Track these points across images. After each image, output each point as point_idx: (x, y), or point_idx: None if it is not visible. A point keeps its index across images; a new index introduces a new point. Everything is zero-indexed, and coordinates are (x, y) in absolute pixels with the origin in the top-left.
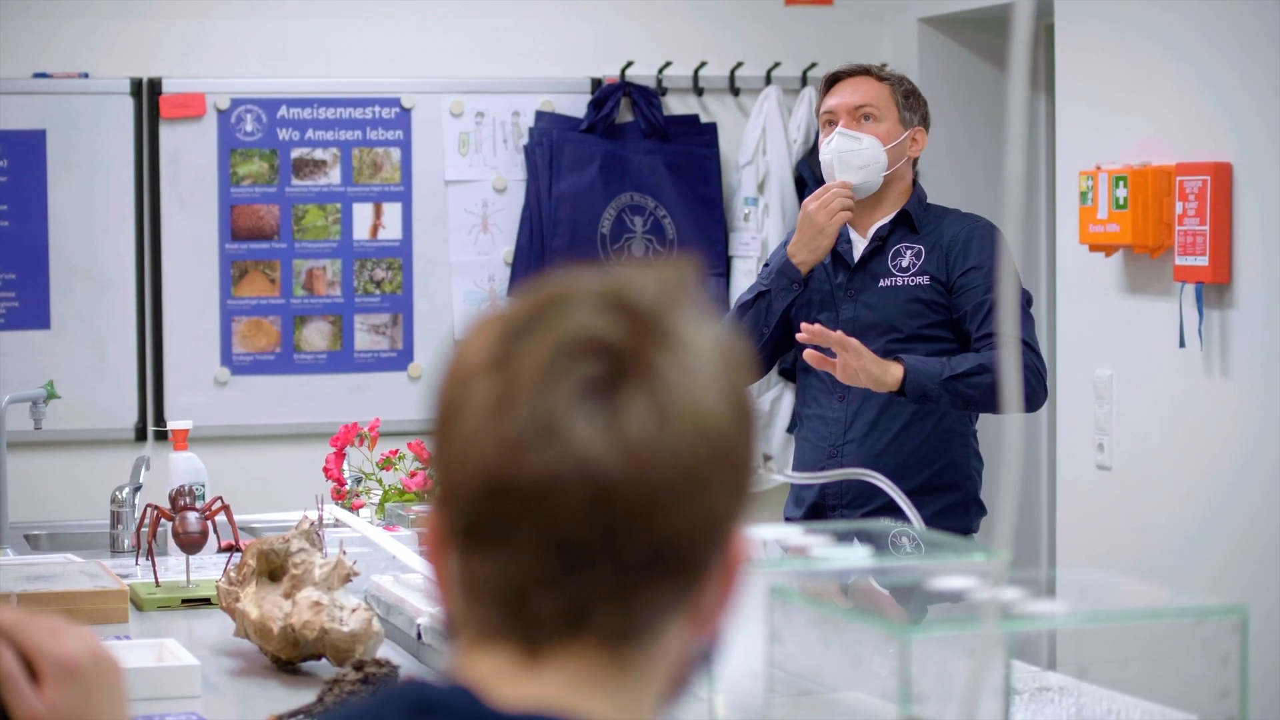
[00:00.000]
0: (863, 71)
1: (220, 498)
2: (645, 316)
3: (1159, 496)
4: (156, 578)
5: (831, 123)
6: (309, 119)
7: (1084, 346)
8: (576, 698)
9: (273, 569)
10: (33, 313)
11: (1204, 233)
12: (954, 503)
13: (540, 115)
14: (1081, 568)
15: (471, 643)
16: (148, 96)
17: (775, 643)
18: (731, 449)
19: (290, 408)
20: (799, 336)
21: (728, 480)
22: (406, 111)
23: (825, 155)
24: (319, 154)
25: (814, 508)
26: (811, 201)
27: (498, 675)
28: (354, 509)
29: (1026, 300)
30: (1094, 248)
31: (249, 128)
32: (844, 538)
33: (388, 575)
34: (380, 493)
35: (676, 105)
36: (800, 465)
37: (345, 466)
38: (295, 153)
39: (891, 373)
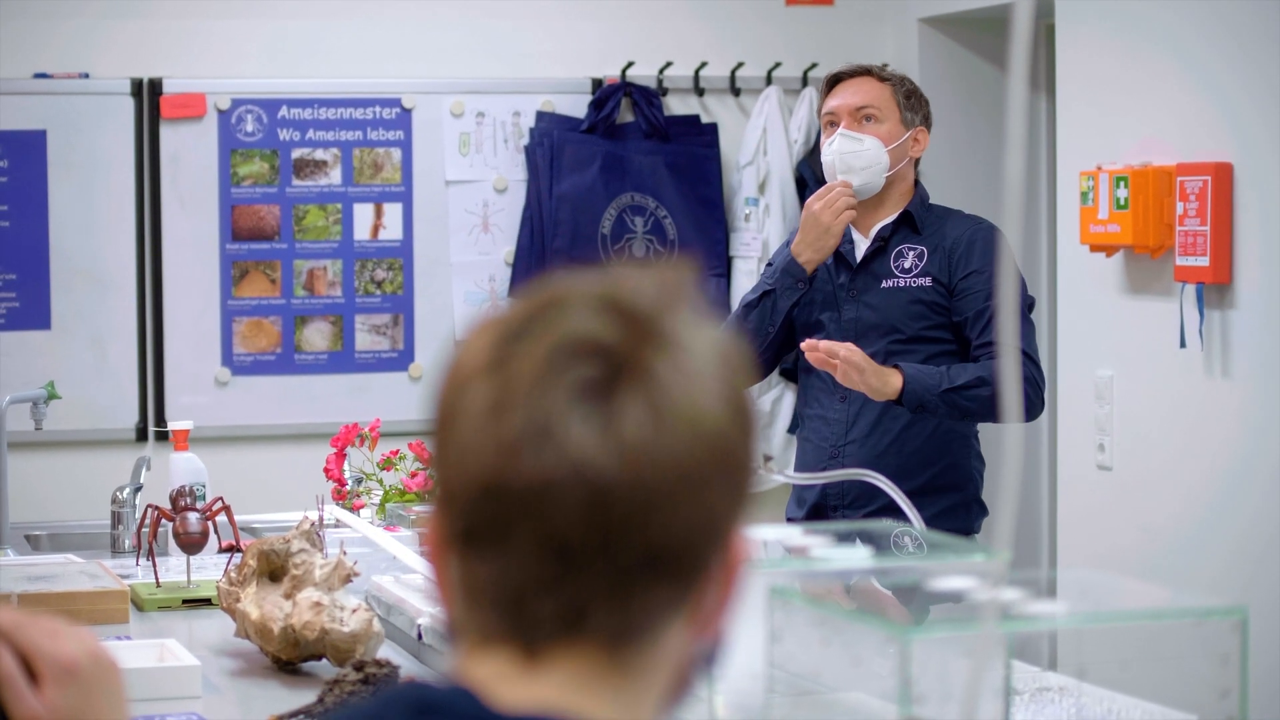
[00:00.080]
0: (864, 72)
1: (221, 498)
2: (642, 319)
3: (1159, 496)
4: (157, 578)
5: (833, 124)
6: (309, 119)
7: (1085, 347)
8: (576, 698)
9: (273, 569)
10: (33, 313)
11: (1204, 233)
12: (955, 503)
13: (541, 115)
14: (1082, 568)
15: (472, 645)
16: (148, 97)
17: (775, 643)
18: (730, 450)
19: (291, 408)
20: (806, 354)
21: (726, 481)
22: (407, 112)
23: (827, 156)
24: (320, 154)
25: (815, 508)
26: (816, 201)
27: (498, 677)
28: (355, 509)
29: (1029, 305)
30: (1095, 248)
31: (250, 128)
32: (846, 538)
33: (388, 576)
34: (381, 493)
35: (677, 105)
36: (802, 466)
37: (346, 467)
38: (296, 153)
39: (890, 383)
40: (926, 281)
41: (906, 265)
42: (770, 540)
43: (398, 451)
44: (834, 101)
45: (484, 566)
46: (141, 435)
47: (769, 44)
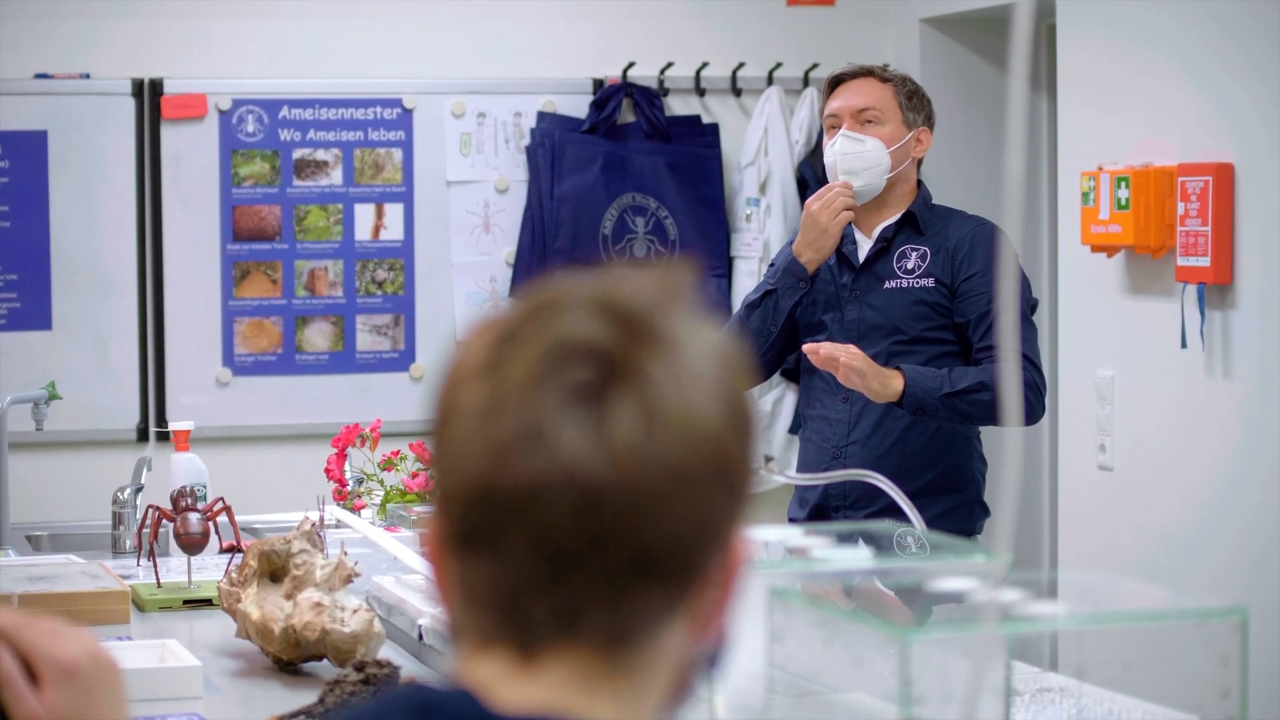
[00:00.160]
0: (865, 73)
1: (222, 498)
2: (637, 321)
3: (1160, 497)
4: (158, 579)
5: (835, 126)
6: (310, 120)
7: (1086, 347)
8: (575, 699)
9: (274, 570)
10: (34, 313)
11: (1206, 233)
12: (957, 504)
13: (542, 116)
14: (1083, 568)
15: (471, 646)
16: (149, 97)
17: (776, 643)
18: (725, 453)
19: (292, 408)
20: (809, 356)
21: (722, 484)
22: (408, 112)
23: (829, 157)
24: (320, 155)
25: (817, 509)
26: (814, 201)
27: (496, 678)
28: (355, 510)
29: (1031, 307)
30: (1096, 248)
31: (250, 128)
32: (849, 539)
33: (389, 576)
34: (382, 494)
35: (678, 106)
36: (804, 466)
37: (347, 467)
38: (297, 153)
39: (891, 386)
40: (929, 282)
41: (909, 266)
42: (771, 541)
43: (399, 452)
44: (835, 103)
45: (479, 569)
46: (142, 436)
47: (770, 44)
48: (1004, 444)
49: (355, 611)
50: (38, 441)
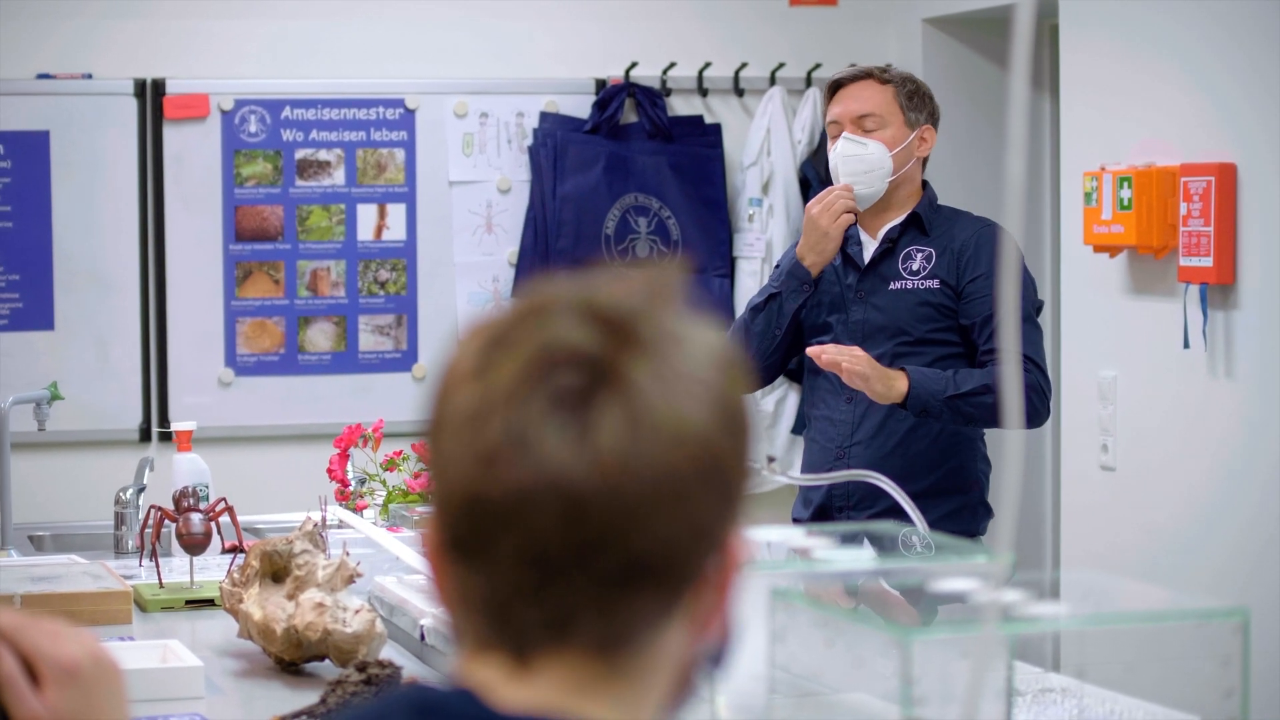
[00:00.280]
0: (865, 76)
1: (224, 499)
2: (625, 326)
3: (1162, 496)
4: (160, 579)
5: (837, 133)
6: (313, 120)
7: (1088, 347)
8: (574, 701)
9: (276, 570)
10: (36, 314)
11: (1208, 234)
12: (960, 505)
13: (544, 116)
14: (1085, 569)
15: (469, 649)
16: (151, 97)
17: (778, 644)
18: (715, 457)
19: (294, 409)
20: (813, 358)
21: (713, 487)
22: (411, 112)
23: (832, 161)
24: (323, 155)
25: (821, 509)
26: (814, 205)
27: (494, 682)
28: (358, 510)
29: (1036, 309)
30: (1098, 248)
31: (253, 128)
32: (853, 539)
33: (391, 576)
34: (384, 494)
35: (681, 106)
36: (808, 466)
37: (349, 467)
38: (299, 154)
39: (896, 388)
40: (934, 284)
41: (914, 267)
42: (774, 541)
43: (401, 452)
44: (836, 110)
45: (471, 575)
46: (145, 436)
47: (772, 44)
48: (1005, 445)
49: (357, 612)
50: (40, 442)
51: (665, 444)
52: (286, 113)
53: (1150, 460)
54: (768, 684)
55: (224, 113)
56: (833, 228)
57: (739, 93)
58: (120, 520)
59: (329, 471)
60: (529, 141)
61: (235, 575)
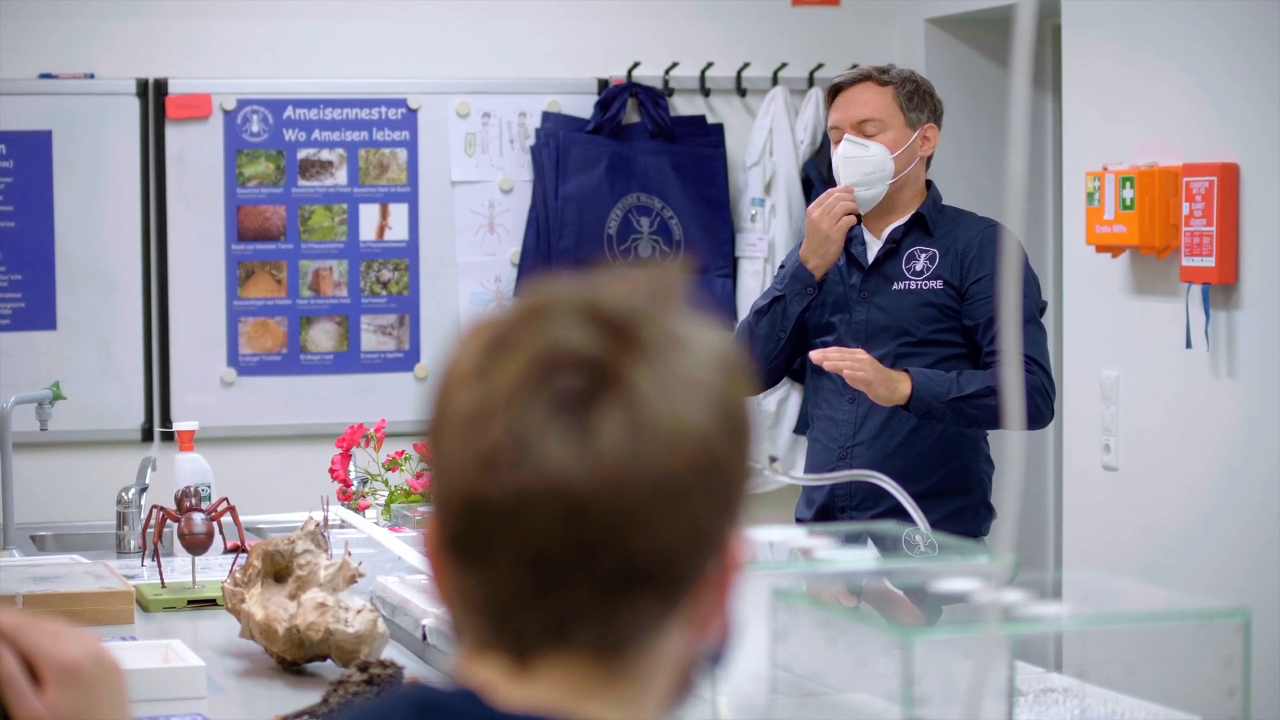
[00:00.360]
0: (864, 78)
1: (226, 498)
2: (626, 328)
3: (1165, 496)
4: (162, 579)
5: (838, 139)
6: (315, 120)
7: (1090, 347)
8: (575, 701)
9: (278, 570)
10: (39, 314)
11: (1211, 234)
12: (963, 506)
13: (547, 116)
14: (1087, 569)
15: (470, 649)
16: (153, 97)
17: (779, 644)
18: (716, 459)
19: (296, 408)
20: (816, 363)
21: (713, 490)
22: (413, 112)
23: (835, 164)
24: (325, 155)
25: (823, 509)
26: (815, 208)
27: (494, 682)
28: (360, 510)
29: (1040, 309)
30: (1100, 248)
31: (255, 128)
32: (857, 539)
33: (393, 576)
34: (386, 494)
35: (683, 106)
36: (812, 466)
37: (351, 467)
38: (301, 153)
39: (899, 390)
40: (938, 284)
41: (918, 268)
42: (776, 541)
43: (403, 452)
44: (835, 115)
45: (469, 577)
46: (147, 436)
47: (775, 44)
48: (1007, 446)
49: (359, 612)
50: (42, 441)
51: (665, 447)
52: (289, 112)
53: (1152, 460)
54: (769, 684)
55: (226, 112)
56: (834, 230)
57: (741, 93)
58: (122, 520)
59: (331, 471)
60: (531, 141)
61: (237, 575)
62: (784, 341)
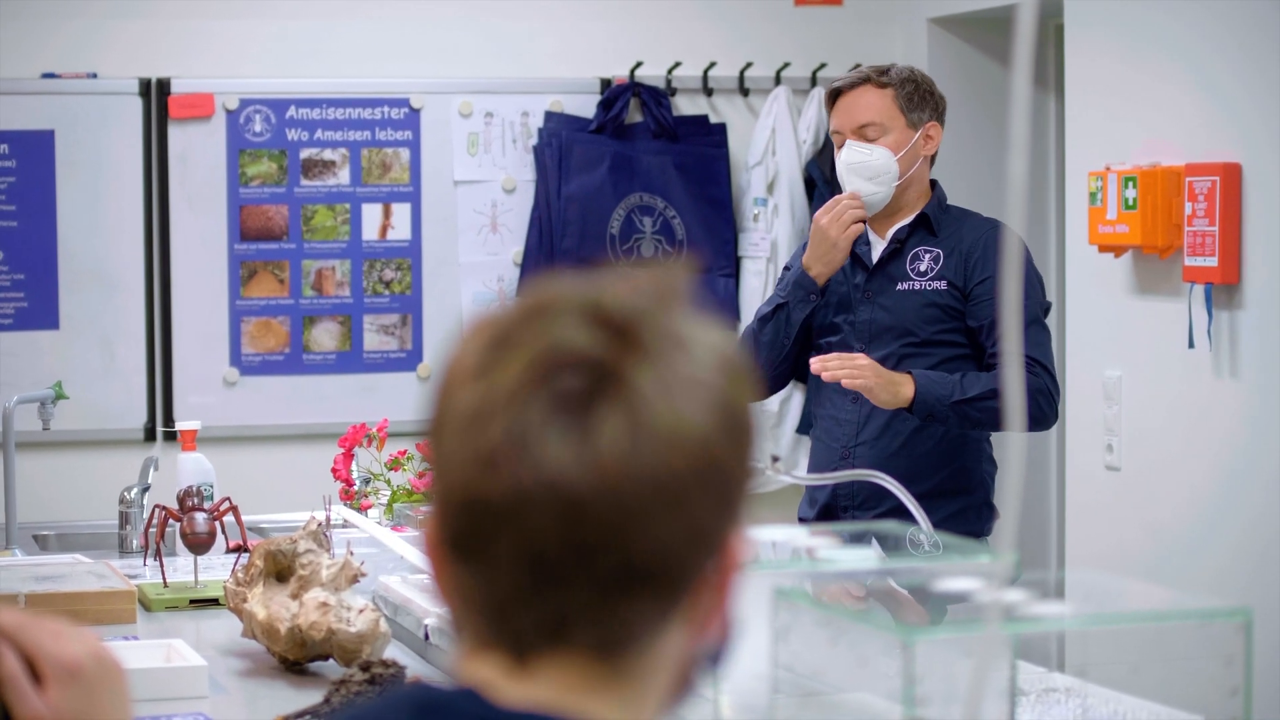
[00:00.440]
0: (863, 81)
1: (228, 498)
2: (628, 328)
3: (1167, 496)
4: (164, 578)
5: (840, 143)
6: (318, 119)
7: (1093, 347)
8: (574, 699)
9: (280, 570)
10: (41, 313)
11: (1213, 233)
12: (965, 507)
13: (549, 116)
14: (1089, 569)
15: (470, 647)
16: (156, 97)
17: (781, 643)
18: (716, 461)
19: (299, 408)
20: (816, 373)
21: (713, 492)
22: (415, 112)
23: (839, 169)
24: (328, 154)
25: (826, 509)
26: (823, 215)
27: (493, 681)
28: (362, 510)
29: (1044, 310)
30: (1103, 248)
31: (258, 128)
32: (861, 539)
33: (395, 576)
34: (389, 493)
35: (686, 106)
36: (815, 466)
37: (353, 467)
38: (304, 153)
39: (901, 393)
40: (941, 285)
41: (922, 268)
42: (778, 540)
43: (405, 452)
44: (836, 120)
45: (469, 575)
46: (149, 435)
47: (778, 44)
48: (1008, 446)
49: (361, 611)
50: (45, 441)
51: (665, 447)
52: (291, 112)
53: (1155, 460)
54: (771, 683)
55: (229, 112)
56: (841, 238)
57: (744, 92)
58: (125, 520)
59: (333, 471)
60: (534, 141)
61: (239, 575)
62: (789, 348)
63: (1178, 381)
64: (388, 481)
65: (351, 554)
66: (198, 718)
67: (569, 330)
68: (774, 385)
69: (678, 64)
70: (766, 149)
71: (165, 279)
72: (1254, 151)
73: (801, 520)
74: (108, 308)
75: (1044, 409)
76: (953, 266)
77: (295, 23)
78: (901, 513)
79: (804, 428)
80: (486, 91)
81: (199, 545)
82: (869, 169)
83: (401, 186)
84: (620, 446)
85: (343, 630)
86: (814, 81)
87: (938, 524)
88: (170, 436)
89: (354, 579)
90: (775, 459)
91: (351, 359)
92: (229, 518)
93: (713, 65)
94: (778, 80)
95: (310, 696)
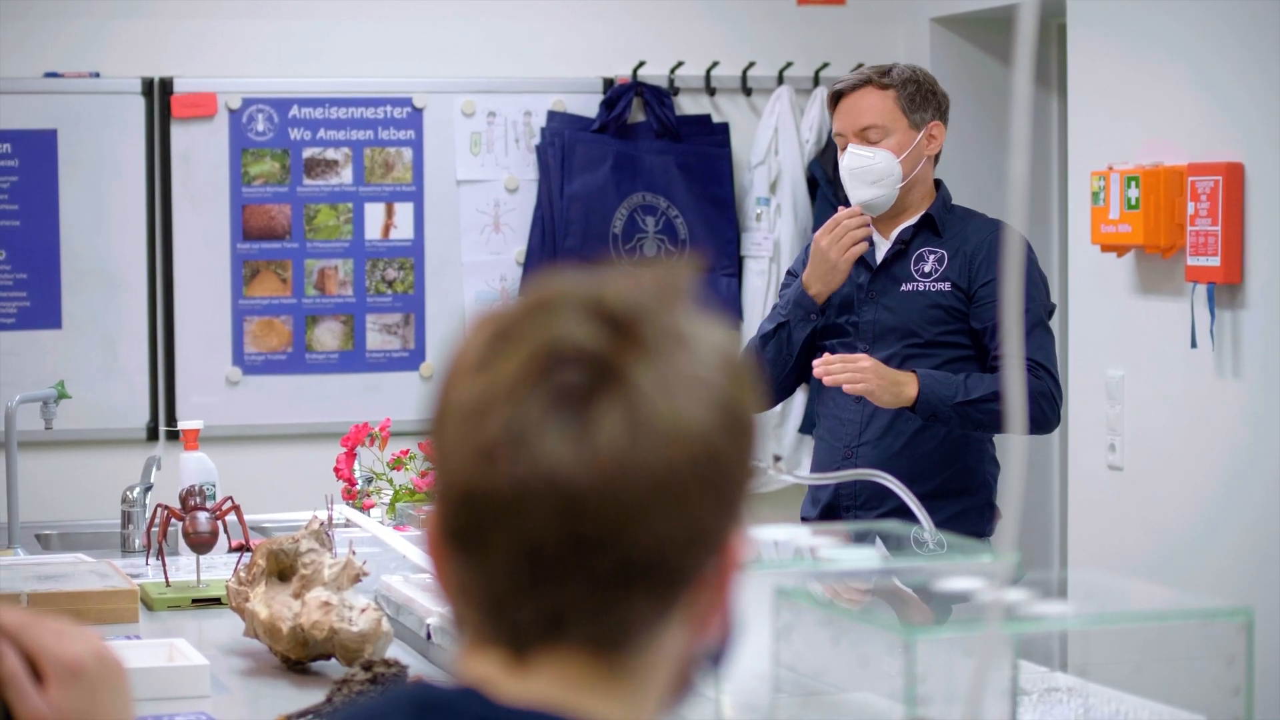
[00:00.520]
0: (865, 82)
1: (231, 497)
2: (630, 325)
3: (1170, 496)
4: (167, 577)
5: (843, 146)
6: (320, 119)
7: (1096, 347)
8: (574, 697)
9: (282, 569)
10: (44, 312)
11: (1216, 233)
12: (967, 507)
13: (552, 115)
14: (1091, 568)
15: (470, 642)
16: (159, 96)
17: (783, 642)
18: (716, 458)
19: (301, 407)
20: (817, 375)
21: (713, 490)
22: (418, 111)
23: (842, 172)
24: (331, 154)
25: (828, 508)
26: (824, 236)
27: (492, 677)
28: (364, 509)
29: (1048, 312)
30: (1106, 248)
31: (260, 127)
32: (865, 538)
33: (397, 575)
34: (391, 493)
35: (688, 105)
36: (818, 465)
37: (356, 466)
38: (307, 152)
39: (904, 394)
40: (945, 286)
41: (926, 269)
42: (781, 539)
43: (408, 451)
44: (839, 123)
45: (468, 570)
46: (152, 434)
47: (780, 44)
48: (1010, 447)
49: (363, 610)
50: (47, 440)
51: (664, 445)
52: (294, 111)
53: (1157, 460)
54: (772, 683)
55: (231, 111)
56: (842, 261)
57: (747, 92)
58: (127, 519)
59: (336, 470)
60: (536, 140)
61: (241, 574)
62: (792, 362)
63: (1180, 381)
64: (390, 481)
65: (354, 553)
66: (200, 717)
67: (570, 325)
68: (779, 396)
69: (680, 63)
70: (769, 148)
71: (168, 278)
72: (1256, 151)
73: (804, 519)
74: (110, 307)
75: (1046, 412)
76: (957, 268)
77: (298, 22)
78: (904, 513)
79: (807, 427)
80: (489, 91)
81: (201, 545)
82: (872, 173)
83: (404, 186)
84: (619, 442)
85: (345, 630)
86: (816, 81)
87: (940, 524)
88: (173, 436)
89: (356, 578)
90: (777, 458)
91: (354, 358)
92: (231, 517)
93: (715, 65)
94: (780, 80)
95: (312, 696)
